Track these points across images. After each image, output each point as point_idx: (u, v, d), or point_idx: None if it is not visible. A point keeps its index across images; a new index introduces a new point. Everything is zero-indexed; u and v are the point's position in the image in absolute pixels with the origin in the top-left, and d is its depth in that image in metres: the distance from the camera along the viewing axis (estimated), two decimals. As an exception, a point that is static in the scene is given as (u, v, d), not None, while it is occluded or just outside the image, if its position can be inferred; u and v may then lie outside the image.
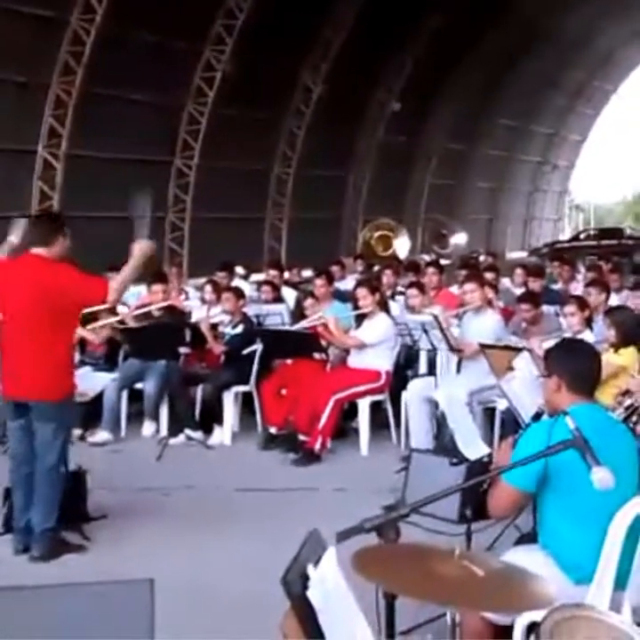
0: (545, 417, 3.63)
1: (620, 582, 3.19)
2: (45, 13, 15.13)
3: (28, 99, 15.58)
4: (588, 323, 6.91)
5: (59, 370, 5.17)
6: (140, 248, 5.29)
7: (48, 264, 5.11)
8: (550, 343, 6.49)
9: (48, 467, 5.18)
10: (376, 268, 13.15)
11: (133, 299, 9.41)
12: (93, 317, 7.87)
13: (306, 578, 2.29)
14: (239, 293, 8.45)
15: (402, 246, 19.13)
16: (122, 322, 8.10)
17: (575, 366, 3.50)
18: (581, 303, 7.00)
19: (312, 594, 2.26)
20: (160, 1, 15.86)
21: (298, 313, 8.72)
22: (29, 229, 5.31)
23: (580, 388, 3.45)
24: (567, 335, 6.76)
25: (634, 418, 4.79)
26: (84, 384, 7.56)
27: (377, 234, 19.08)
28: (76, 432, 7.34)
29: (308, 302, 8.38)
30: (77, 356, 8.27)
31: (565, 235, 36.60)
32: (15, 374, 5.23)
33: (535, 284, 9.62)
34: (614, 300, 8.83)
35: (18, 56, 14.78)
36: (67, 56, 15.60)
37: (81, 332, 7.91)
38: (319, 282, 8.91)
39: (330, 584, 2.36)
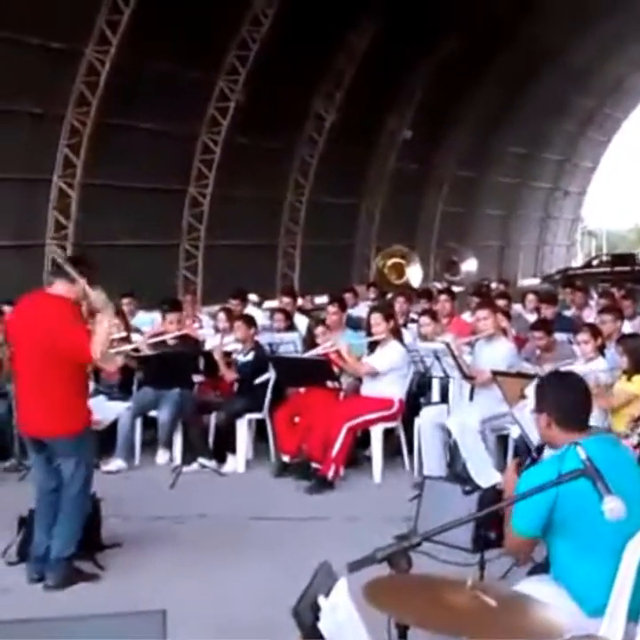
0: (547, 449, 3.61)
1: (633, 614, 3.17)
2: (61, 45, 15.34)
3: (44, 129, 15.75)
4: (601, 350, 6.90)
5: (71, 406, 5.19)
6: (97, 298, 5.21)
7: (56, 304, 5.13)
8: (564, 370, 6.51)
9: (72, 495, 5.22)
10: (389, 295, 13.18)
11: (148, 326, 9.47)
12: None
13: (317, 608, 2.30)
14: (250, 321, 8.48)
15: (414, 274, 19.18)
16: (136, 349, 8.14)
17: (561, 402, 3.46)
18: (594, 331, 7.00)
19: (323, 624, 2.27)
20: (174, 32, 16.05)
21: (309, 340, 8.75)
22: (53, 268, 5.39)
23: (570, 423, 3.42)
24: (580, 362, 6.77)
25: (647, 444, 4.79)
26: (98, 413, 7.61)
27: (390, 262, 19.13)
28: (91, 460, 7.38)
29: (319, 330, 8.39)
30: (92, 385, 8.33)
31: (578, 261, 36.58)
32: (29, 413, 5.29)
33: (548, 311, 9.63)
34: (627, 326, 8.83)
35: (34, 87, 14.97)
36: (82, 87, 15.79)
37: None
38: (332, 309, 8.93)
39: (341, 614, 2.36)
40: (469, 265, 22.42)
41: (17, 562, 5.42)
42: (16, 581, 5.20)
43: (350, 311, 11.13)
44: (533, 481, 3.21)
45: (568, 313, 10.77)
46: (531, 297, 11.14)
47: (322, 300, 12.41)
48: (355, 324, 9.82)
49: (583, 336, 6.92)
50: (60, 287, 5.15)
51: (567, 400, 3.48)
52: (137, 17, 15.33)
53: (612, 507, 2.74)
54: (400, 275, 18.89)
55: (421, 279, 19.61)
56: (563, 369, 6.36)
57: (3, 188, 15.32)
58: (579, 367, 6.56)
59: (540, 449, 3.63)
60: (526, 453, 5.23)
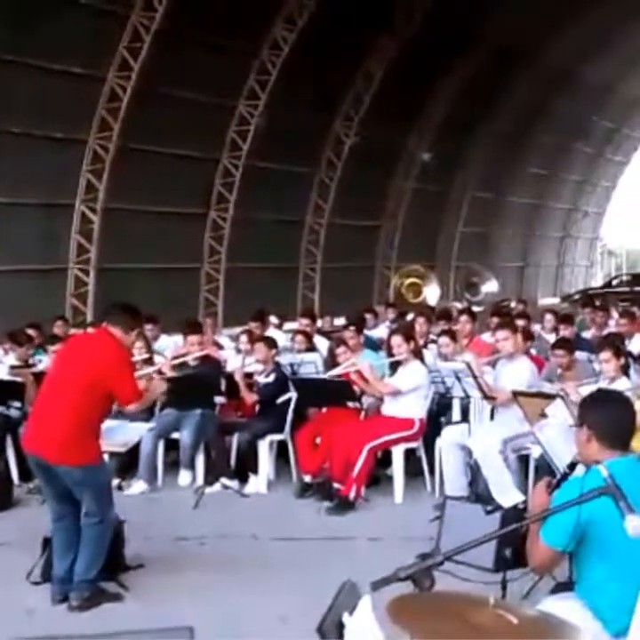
0: (580, 466, 3.60)
1: (657, 633, 3.16)
2: (82, 71, 15.52)
3: (66, 154, 15.93)
4: (625, 370, 6.85)
5: (81, 436, 5.21)
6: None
7: (112, 343, 5.35)
8: (586, 389, 6.50)
9: (89, 522, 5.24)
10: (409, 315, 13.19)
11: (170, 350, 9.51)
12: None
13: (341, 626, 2.32)
14: (271, 343, 8.53)
15: (432, 293, 19.15)
16: (159, 372, 8.18)
17: (606, 418, 3.43)
18: (617, 350, 6.94)
19: (347, 642, 2.29)
20: (193, 58, 16.22)
21: (331, 361, 8.79)
22: (116, 310, 5.57)
23: (611, 440, 3.39)
24: (603, 382, 6.74)
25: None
26: (120, 435, 7.66)
27: (407, 281, 19.13)
28: (114, 482, 7.41)
29: (340, 350, 8.44)
30: (114, 407, 8.39)
31: (598, 281, 36.38)
32: (37, 431, 5.33)
33: (566, 331, 9.60)
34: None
35: (56, 113, 15.14)
36: (103, 112, 15.97)
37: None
38: (348, 334, 9.02)
39: (365, 633, 2.38)
40: (490, 286, 22.34)
41: (41, 582, 5.46)
42: (40, 602, 5.23)
43: (370, 332, 11.17)
44: (559, 500, 3.23)
45: (588, 333, 10.72)
46: (548, 316, 11.06)
47: (341, 321, 12.44)
48: (374, 345, 9.86)
49: (605, 354, 6.84)
50: (116, 329, 5.41)
51: (610, 416, 3.45)
52: (158, 43, 15.52)
53: (635, 525, 2.73)
54: (417, 294, 18.87)
55: (440, 298, 19.55)
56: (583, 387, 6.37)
57: (26, 212, 15.49)
58: (602, 386, 6.54)
59: (572, 465, 3.58)
60: (548, 473, 5.23)
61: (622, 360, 6.84)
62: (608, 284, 30.56)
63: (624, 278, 31.19)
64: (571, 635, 2.47)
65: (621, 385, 6.47)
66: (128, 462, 7.92)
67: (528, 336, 8.79)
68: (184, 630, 2.19)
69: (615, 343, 7.29)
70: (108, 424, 6.06)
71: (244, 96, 18.64)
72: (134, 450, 7.90)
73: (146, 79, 15.80)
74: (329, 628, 2.31)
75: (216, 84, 17.32)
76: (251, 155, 18.84)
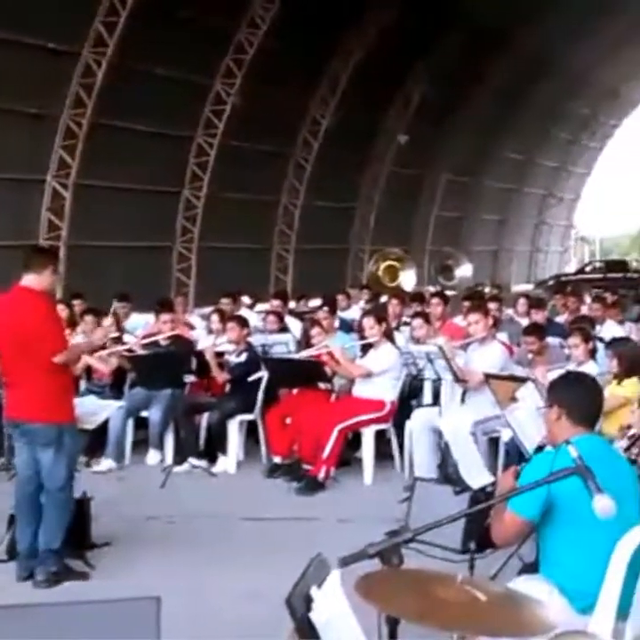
0: (548, 449, 3.64)
1: (623, 611, 3.18)
2: (57, 46, 15.30)
3: (39, 129, 15.72)
4: (592, 354, 6.93)
5: (53, 396, 5.21)
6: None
7: (31, 300, 5.19)
8: (555, 373, 6.54)
9: (53, 489, 5.23)
10: (382, 298, 13.19)
11: (141, 328, 9.46)
12: (101, 346, 7.90)
13: (309, 599, 2.31)
14: (243, 322, 8.48)
15: (408, 278, 19.12)
16: (130, 350, 8.13)
17: (576, 398, 3.53)
18: (585, 335, 7.02)
19: (315, 615, 2.28)
20: (171, 35, 16.04)
21: (304, 342, 8.76)
22: (23, 258, 5.38)
23: (580, 419, 3.48)
24: (572, 366, 6.79)
25: (635, 450, 4.81)
26: (89, 412, 7.61)
27: (384, 264, 19.08)
28: (81, 459, 7.36)
29: (315, 331, 8.41)
30: (83, 385, 8.35)
31: (571, 267, 36.61)
32: (13, 398, 5.36)
33: (537, 316, 9.69)
34: (618, 331, 8.91)
35: (30, 88, 14.93)
36: (78, 88, 15.77)
37: (89, 360, 7.97)
38: (321, 314, 9.01)
39: (333, 606, 2.38)
40: (464, 270, 22.36)
41: (6, 560, 5.42)
42: (6, 580, 5.19)
43: (343, 314, 11.17)
44: (528, 474, 3.29)
45: (561, 318, 10.82)
46: (522, 301, 11.21)
47: (315, 302, 12.42)
48: (347, 327, 9.85)
49: (574, 340, 6.94)
50: (29, 277, 5.23)
51: (581, 395, 3.56)
52: (134, 19, 15.31)
53: (603, 505, 2.75)
54: (394, 278, 18.82)
55: (415, 283, 19.55)
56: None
57: (-3, 187, 15.31)
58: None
59: (539, 449, 3.65)
60: (518, 456, 5.25)
61: (591, 345, 6.92)
62: (581, 271, 30.79)
63: (597, 265, 31.43)
64: (537, 610, 2.48)
65: (589, 369, 6.53)
66: (96, 440, 7.87)
67: (495, 322, 8.79)
68: (151, 600, 2.17)
69: (584, 328, 7.38)
70: (76, 401, 6.01)
71: (220, 74, 18.50)
72: (103, 427, 7.86)
73: (121, 55, 15.61)
74: (297, 600, 2.31)
75: (192, 61, 17.15)
76: (226, 133, 18.70)
